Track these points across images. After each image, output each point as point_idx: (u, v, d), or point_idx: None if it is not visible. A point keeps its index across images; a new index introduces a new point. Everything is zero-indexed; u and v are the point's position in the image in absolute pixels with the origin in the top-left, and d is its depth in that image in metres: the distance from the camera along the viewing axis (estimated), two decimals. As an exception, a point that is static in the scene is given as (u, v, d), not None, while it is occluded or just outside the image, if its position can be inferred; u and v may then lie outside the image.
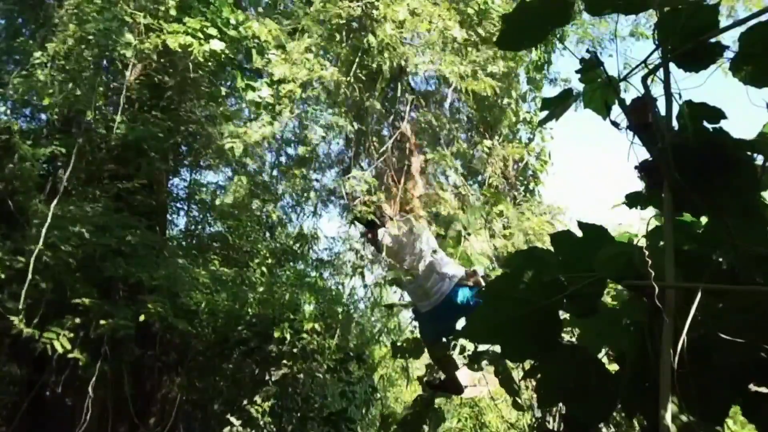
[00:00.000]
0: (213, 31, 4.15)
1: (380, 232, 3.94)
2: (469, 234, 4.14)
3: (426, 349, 4.12)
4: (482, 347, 3.89)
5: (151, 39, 4.09)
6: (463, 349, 3.99)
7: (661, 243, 1.72)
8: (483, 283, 3.67)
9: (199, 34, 4.11)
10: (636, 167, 1.84)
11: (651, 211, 2.22)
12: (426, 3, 4.20)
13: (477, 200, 4.50)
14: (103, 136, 4.82)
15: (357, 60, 4.15)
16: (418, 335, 4.30)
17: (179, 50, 4.06)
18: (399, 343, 4.42)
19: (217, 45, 4.16)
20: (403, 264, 3.82)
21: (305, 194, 4.67)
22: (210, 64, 4.39)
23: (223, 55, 4.24)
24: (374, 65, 4.10)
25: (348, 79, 4.15)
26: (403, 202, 4.09)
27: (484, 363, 3.94)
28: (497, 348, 3.74)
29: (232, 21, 4.22)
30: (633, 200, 1.98)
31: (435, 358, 4.05)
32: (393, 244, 3.86)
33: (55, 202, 4.24)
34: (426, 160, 4.37)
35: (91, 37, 4.12)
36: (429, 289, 3.71)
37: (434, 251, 3.84)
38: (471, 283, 3.70)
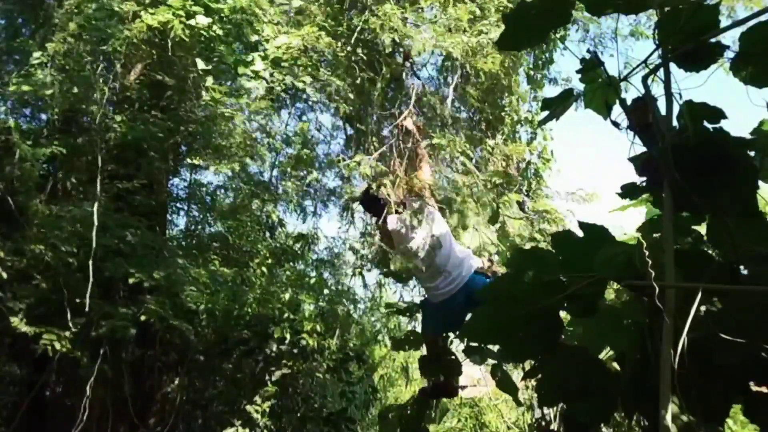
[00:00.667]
0: (197, 9, 4.07)
1: (390, 218, 3.80)
2: (466, 221, 4.08)
3: (426, 347, 4.03)
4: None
5: (136, 24, 4.04)
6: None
7: (656, 234, 1.73)
8: (500, 272, 3.58)
9: (181, 12, 4.05)
10: (636, 167, 1.84)
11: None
12: None
13: (484, 187, 4.44)
14: (103, 136, 4.82)
15: (356, 37, 4.11)
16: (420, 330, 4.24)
17: (158, 26, 3.97)
18: (398, 336, 4.39)
19: (202, 20, 4.07)
20: (414, 251, 3.70)
21: (305, 178, 4.60)
22: (196, 40, 4.28)
23: (210, 32, 4.13)
24: (372, 40, 4.04)
25: (347, 50, 4.10)
26: (411, 187, 3.98)
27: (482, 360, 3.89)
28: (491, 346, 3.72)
29: None
30: (628, 192, 1.98)
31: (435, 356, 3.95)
32: (402, 228, 3.71)
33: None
34: (431, 146, 4.30)
35: (84, 32, 4.08)
36: (444, 277, 3.56)
37: (449, 238, 3.72)
38: (489, 273, 3.60)
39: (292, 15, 4.47)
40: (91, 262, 4.06)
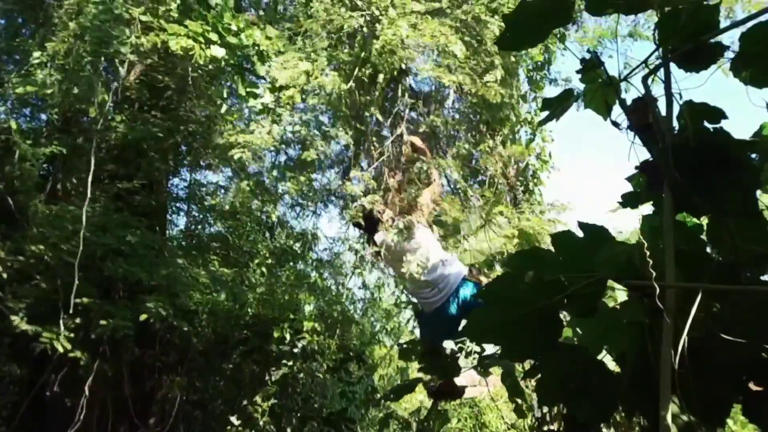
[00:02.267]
0: (214, 36, 4.12)
1: (378, 235, 3.92)
2: (467, 236, 4.14)
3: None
4: (489, 351, 3.86)
5: (149, 37, 4.06)
6: (468, 354, 3.95)
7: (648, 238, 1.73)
8: (485, 281, 3.67)
9: (201, 39, 4.08)
10: (637, 167, 1.84)
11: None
12: (427, 18, 4.20)
13: (477, 200, 4.49)
14: (103, 135, 4.82)
15: (358, 66, 4.16)
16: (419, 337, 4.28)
17: (180, 53, 4.03)
18: (404, 345, 4.41)
19: (218, 51, 4.13)
20: (403, 265, 3.78)
21: (307, 194, 4.66)
22: (210, 67, 4.36)
23: (223, 62, 4.21)
24: (374, 66, 4.10)
25: (349, 86, 4.16)
26: (404, 204, 4.07)
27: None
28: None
29: (233, 27, 4.20)
30: (628, 200, 1.99)
31: None
32: (392, 246, 3.82)
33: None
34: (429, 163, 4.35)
35: (86, 33, 4.09)
36: (433, 288, 3.69)
37: (437, 251, 3.82)
38: (475, 280, 3.70)
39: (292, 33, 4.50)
40: (76, 263, 4.06)
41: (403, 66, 4.21)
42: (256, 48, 4.21)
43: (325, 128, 4.28)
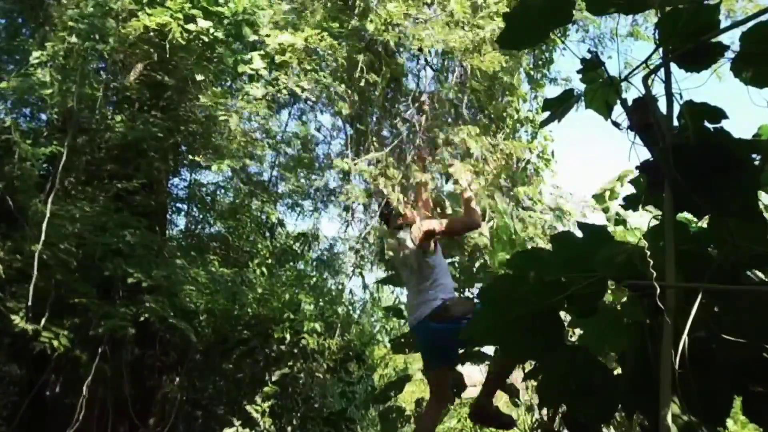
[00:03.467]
0: (196, 12, 4.06)
1: (400, 234, 3.64)
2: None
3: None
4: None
5: (132, 23, 4.02)
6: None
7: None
8: (457, 314, 3.25)
9: (179, 15, 4.02)
10: (637, 167, 1.84)
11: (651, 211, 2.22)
12: None
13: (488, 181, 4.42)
14: (103, 135, 4.81)
15: (357, 38, 4.13)
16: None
17: (156, 27, 3.95)
18: (398, 338, 4.40)
19: (201, 23, 4.05)
20: (403, 273, 3.66)
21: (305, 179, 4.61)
22: (194, 44, 4.24)
23: (211, 35, 4.11)
24: (374, 40, 4.06)
25: (347, 50, 4.11)
26: (427, 205, 3.90)
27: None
28: (486, 349, 3.71)
29: None
30: (631, 203, 1.99)
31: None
32: (398, 250, 3.65)
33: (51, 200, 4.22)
34: (436, 149, 4.27)
35: (79, 29, 4.06)
36: (415, 306, 3.46)
37: (436, 268, 3.51)
38: (445, 315, 3.32)
39: (293, 17, 4.47)
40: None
41: (404, 40, 4.14)
42: (246, 15, 4.14)
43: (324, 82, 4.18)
